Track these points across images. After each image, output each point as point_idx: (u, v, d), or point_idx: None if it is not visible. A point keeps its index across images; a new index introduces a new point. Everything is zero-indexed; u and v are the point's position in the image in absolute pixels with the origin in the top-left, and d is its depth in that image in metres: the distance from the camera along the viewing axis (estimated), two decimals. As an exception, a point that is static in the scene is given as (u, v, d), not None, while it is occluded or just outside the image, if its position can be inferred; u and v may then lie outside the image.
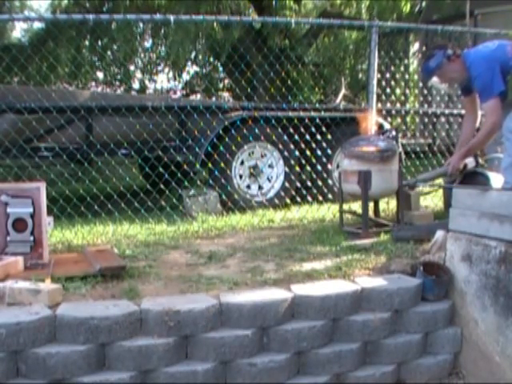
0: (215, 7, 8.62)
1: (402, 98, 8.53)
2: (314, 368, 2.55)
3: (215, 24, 8.46)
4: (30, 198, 2.99)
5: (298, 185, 5.34)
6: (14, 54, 7.34)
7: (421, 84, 8.03)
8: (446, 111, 6.84)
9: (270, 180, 5.26)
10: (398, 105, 7.89)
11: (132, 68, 12.22)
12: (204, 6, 8.51)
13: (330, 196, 5.25)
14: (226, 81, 13.12)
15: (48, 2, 13.65)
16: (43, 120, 4.70)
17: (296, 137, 5.15)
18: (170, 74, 12.69)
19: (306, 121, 5.18)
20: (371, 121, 4.75)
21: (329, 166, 5.38)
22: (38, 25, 10.54)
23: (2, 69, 5.04)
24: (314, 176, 5.35)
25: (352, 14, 11.43)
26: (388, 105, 7.10)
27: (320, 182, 5.30)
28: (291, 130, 5.12)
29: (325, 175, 5.33)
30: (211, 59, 11.41)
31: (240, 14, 8.99)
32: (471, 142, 3.73)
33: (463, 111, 6.55)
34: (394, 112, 6.76)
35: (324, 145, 5.25)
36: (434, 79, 3.76)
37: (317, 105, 6.91)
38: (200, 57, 10.88)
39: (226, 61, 8.93)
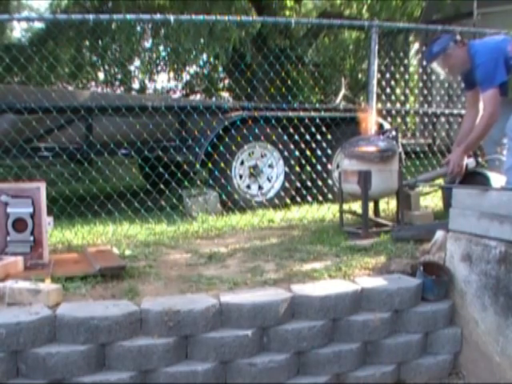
0: (209, 6, 8.62)
1: (402, 98, 8.53)
2: (314, 368, 2.55)
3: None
4: (30, 198, 2.99)
5: (298, 185, 5.34)
6: (14, 54, 7.34)
7: (421, 84, 8.04)
8: (446, 111, 6.85)
9: (270, 180, 5.26)
10: (398, 105, 7.90)
11: (132, 68, 12.22)
12: (206, 5, 8.53)
13: (330, 196, 5.25)
14: (226, 81, 13.12)
15: (48, 1, 13.66)
16: (43, 120, 4.70)
17: (296, 137, 5.15)
18: (171, 74, 12.70)
19: (306, 121, 5.18)
20: (371, 121, 4.75)
21: (329, 166, 5.38)
22: (38, 25, 10.56)
23: (1, 69, 5.03)
24: (314, 176, 5.35)
25: (352, 14, 11.43)
26: (388, 105, 7.11)
27: (320, 182, 5.30)
28: (291, 130, 5.12)
29: (325, 175, 5.33)
30: (211, 59, 11.41)
31: (241, 13, 8.99)
32: (470, 137, 3.71)
33: (463, 111, 6.57)
34: (394, 112, 6.76)
35: (324, 145, 5.25)
36: (436, 64, 3.74)
37: (317, 105, 6.91)
38: (205, 57, 10.88)
39: (224, 60, 8.92)
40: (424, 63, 7.24)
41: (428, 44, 3.84)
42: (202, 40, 8.34)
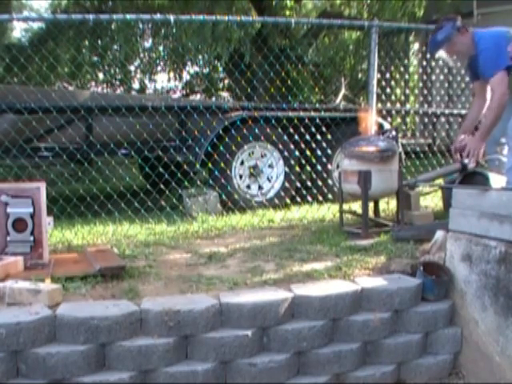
0: (210, 6, 8.61)
1: (402, 98, 8.53)
2: (314, 368, 2.55)
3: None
4: (30, 198, 2.99)
5: (298, 185, 5.34)
6: (14, 54, 7.34)
7: (421, 84, 8.04)
8: (446, 111, 6.85)
9: (269, 180, 5.26)
10: (398, 105, 7.90)
11: (132, 68, 12.21)
12: (211, 5, 8.54)
13: (330, 196, 5.25)
14: (226, 81, 13.12)
15: (48, 1, 13.66)
16: (43, 120, 4.70)
17: (296, 137, 5.15)
18: (171, 74, 12.69)
19: (306, 121, 5.18)
20: (371, 121, 4.75)
21: (329, 166, 5.38)
22: (38, 25, 10.54)
23: (2, 69, 5.03)
24: (314, 176, 5.35)
25: (352, 14, 11.42)
26: (388, 105, 7.11)
27: (320, 182, 5.30)
28: (291, 130, 5.12)
29: (325, 175, 5.33)
30: (212, 59, 11.41)
31: (241, 14, 8.98)
32: (484, 123, 3.64)
33: (463, 111, 6.58)
34: (394, 112, 6.76)
35: (324, 145, 5.25)
36: (441, 52, 3.70)
37: (317, 105, 6.91)
38: (206, 57, 10.86)
39: (226, 61, 8.91)
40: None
41: (431, 33, 3.78)
42: (204, 40, 8.33)
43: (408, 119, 7.69)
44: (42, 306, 2.38)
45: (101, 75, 11.94)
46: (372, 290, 2.70)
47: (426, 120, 6.89)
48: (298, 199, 5.21)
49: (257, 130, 5.05)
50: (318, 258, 3.27)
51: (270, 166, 5.25)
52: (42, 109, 4.56)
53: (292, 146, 5.23)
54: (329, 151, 5.30)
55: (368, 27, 4.95)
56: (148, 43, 11.51)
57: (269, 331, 2.51)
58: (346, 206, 4.35)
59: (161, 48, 11.57)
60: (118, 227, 4.13)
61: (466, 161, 4.13)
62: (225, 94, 13.53)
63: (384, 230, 3.80)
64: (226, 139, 4.97)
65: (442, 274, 2.89)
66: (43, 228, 3.02)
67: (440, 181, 4.57)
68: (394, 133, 4.25)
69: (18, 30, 13.38)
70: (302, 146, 5.25)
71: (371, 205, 4.09)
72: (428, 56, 7.61)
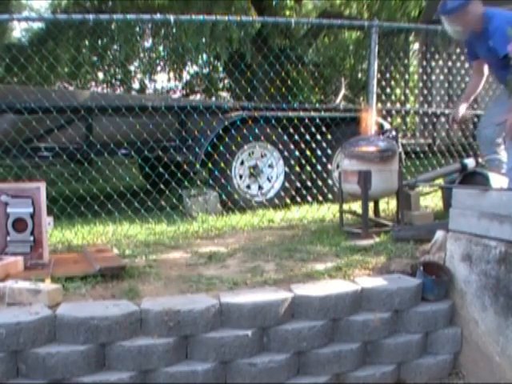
0: (210, 6, 8.62)
1: (402, 98, 8.53)
2: (314, 368, 2.55)
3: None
4: (30, 198, 2.99)
5: (298, 185, 5.34)
6: (14, 54, 7.34)
7: (421, 84, 8.04)
8: (446, 111, 6.85)
9: (269, 180, 5.26)
10: (398, 105, 7.90)
11: (132, 68, 12.22)
12: (212, 5, 8.54)
13: (330, 196, 5.25)
14: (226, 81, 13.12)
15: (48, 1, 13.65)
16: (43, 120, 4.70)
17: (296, 137, 5.15)
18: (171, 74, 12.69)
19: (306, 121, 5.18)
20: (371, 121, 4.75)
21: (329, 166, 5.38)
22: (38, 25, 10.54)
23: (2, 69, 5.03)
24: (314, 176, 5.35)
25: (352, 14, 11.43)
26: (388, 105, 7.11)
27: (320, 182, 5.30)
28: (291, 130, 5.12)
29: (325, 175, 5.33)
30: (212, 59, 11.41)
31: (241, 13, 8.99)
32: None
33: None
34: (394, 112, 6.76)
35: (324, 145, 5.25)
36: (449, 19, 3.54)
37: (317, 105, 6.91)
38: (205, 57, 10.87)
39: (226, 61, 8.92)
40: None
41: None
42: (203, 40, 8.34)
43: (408, 119, 7.69)
44: (41, 306, 2.38)
45: (101, 75, 11.94)
46: (372, 290, 2.70)
47: (426, 120, 6.89)
48: (298, 199, 5.21)
49: (257, 130, 5.05)
50: (318, 258, 3.27)
51: (270, 165, 5.25)
52: (42, 109, 4.56)
53: (292, 146, 5.23)
54: (329, 151, 5.30)
55: (368, 27, 4.95)
56: (148, 43, 11.51)
57: (269, 331, 2.51)
58: (346, 206, 4.35)
59: (161, 48, 11.58)
60: (118, 227, 4.13)
61: (467, 160, 4.15)
62: (225, 94, 13.53)
63: (384, 230, 3.80)
64: (226, 139, 4.97)
65: (442, 274, 2.89)
66: (43, 228, 3.02)
67: (440, 181, 4.58)
68: (393, 133, 4.25)
69: (18, 30, 13.36)
70: (302, 145, 5.25)
71: (371, 205, 4.09)
72: (428, 56, 7.62)
